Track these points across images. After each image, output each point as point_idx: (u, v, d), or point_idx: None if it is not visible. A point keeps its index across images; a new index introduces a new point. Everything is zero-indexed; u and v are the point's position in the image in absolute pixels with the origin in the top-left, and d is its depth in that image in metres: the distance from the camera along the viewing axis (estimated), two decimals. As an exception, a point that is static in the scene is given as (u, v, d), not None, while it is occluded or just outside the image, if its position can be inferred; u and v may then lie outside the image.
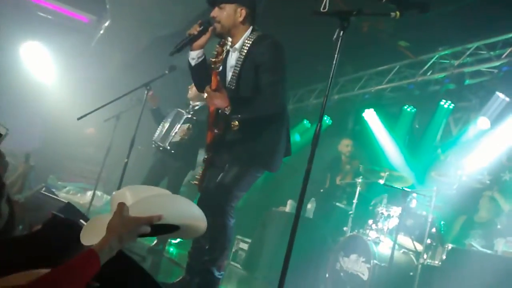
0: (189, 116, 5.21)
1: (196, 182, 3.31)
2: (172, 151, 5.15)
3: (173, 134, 5.17)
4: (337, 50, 2.43)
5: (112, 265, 1.54)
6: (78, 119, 4.59)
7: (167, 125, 5.29)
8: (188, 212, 1.81)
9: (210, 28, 3.02)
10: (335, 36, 2.44)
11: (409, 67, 6.92)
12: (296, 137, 8.81)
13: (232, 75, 3.15)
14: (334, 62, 2.44)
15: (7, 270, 1.47)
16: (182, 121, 5.20)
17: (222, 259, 3.21)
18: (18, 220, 2.09)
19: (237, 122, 3.11)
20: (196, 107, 5.36)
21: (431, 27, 5.84)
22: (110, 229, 1.54)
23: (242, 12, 3.07)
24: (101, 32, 7.71)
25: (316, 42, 6.36)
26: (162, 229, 1.72)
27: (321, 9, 3.50)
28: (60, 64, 8.75)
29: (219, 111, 3.12)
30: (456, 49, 6.22)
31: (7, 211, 1.72)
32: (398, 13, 2.51)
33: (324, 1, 3.57)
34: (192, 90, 5.35)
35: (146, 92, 4.60)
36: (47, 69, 8.79)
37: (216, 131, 3.19)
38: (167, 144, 5.17)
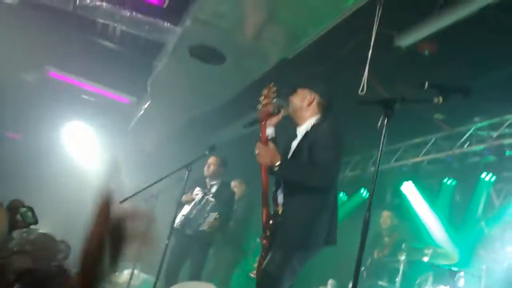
0: (215, 203, 5.31)
1: (254, 273, 3.21)
2: (198, 238, 5.28)
3: (201, 222, 5.27)
4: (382, 137, 2.45)
5: None
6: (121, 202, 4.65)
7: (194, 211, 5.35)
8: None
9: (282, 110, 3.25)
10: (379, 124, 2.48)
11: (446, 139, 6.84)
12: (332, 210, 8.67)
13: (291, 155, 3.23)
14: (380, 148, 2.45)
15: None
16: (209, 208, 5.31)
17: None
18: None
19: (281, 206, 3.14)
20: (214, 187, 5.50)
21: (467, 99, 5.84)
22: None
23: (311, 98, 3.25)
24: (141, 112, 8.01)
25: (352, 117, 6.46)
26: None
27: (359, 92, 3.61)
28: (101, 143, 9.08)
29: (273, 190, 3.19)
30: (493, 120, 6.16)
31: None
32: (441, 98, 2.54)
33: (362, 84, 3.69)
34: (210, 168, 5.49)
35: (187, 172, 4.67)
36: (88, 149, 9.12)
37: (267, 209, 3.21)
38: (193, 231, 5.28)
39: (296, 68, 5.86)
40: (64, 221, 7.48)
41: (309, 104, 3.25)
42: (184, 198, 5.24)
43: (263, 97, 3.26)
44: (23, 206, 2.64)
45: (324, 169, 2.98)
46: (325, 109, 3.28)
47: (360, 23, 4.47)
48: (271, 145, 3.04)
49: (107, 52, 7.08)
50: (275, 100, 3.24)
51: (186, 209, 5.39)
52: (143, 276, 6.80)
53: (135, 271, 6.31)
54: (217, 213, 5.28)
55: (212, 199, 5.37)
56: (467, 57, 5.05)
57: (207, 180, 5.59)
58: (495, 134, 6.13)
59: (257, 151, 3.03)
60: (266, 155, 2.99)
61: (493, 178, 6.20)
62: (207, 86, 6.68)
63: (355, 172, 8.40)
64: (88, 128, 9.02)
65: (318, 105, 3.26)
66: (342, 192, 8.64)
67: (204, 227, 5.26)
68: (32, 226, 2.93)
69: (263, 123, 3.16)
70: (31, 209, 2.70)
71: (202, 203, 5.37)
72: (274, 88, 3.27)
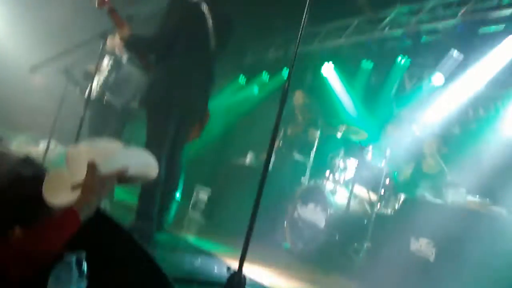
0: (130, 67, 5.24)
1: None
2: (121, 111, 5.22)
3: (129, 96, 5.21)
4: (305, 9, 2.41)
5: (99, 232, 1.58)
6: (31, 70, 4.34)
7: (113, 75, 5.19)
8: (147, 161, 1.90)
9: None
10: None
11: (367, 22, 6.93)
12: (254, 90, 8.83)
13: None
14: (303, 20, 2.43)
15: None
16: (126, 71, 5.21)
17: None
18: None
19: None
20: (124, 58, 5.31)
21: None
22: (89, 188, 1.56)
23: None
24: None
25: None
26: (124, 179, 1.78)
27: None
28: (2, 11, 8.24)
29: None
30: (414, 6, 6.28)
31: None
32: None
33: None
34: (115, 41, 5.14)
35: (102, 43, 4.39)
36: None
37: None
38: (115, 102, 5.17)
39: None
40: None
41: None
42: (89, 67, 5.01)
43: None
44: None
45: (147, 39, 3.63)
46: None
47: None
48: (126, 26, 3.63)
49: None
50: None
51: (101, 77, 5.16)
52: (61, 148, 6.65)
53: (52, 143, 6.14)
54: None
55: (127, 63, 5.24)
56: None
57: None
58: (414, 19, 6.28)
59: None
60: (122, 32, 3.62)
61: (408, 62, 6.46)
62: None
63: (278, 53, 8.42)
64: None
65: None
66: (264, 72, 8.72)
67: (135, 105, 5.14)
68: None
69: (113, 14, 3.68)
70: None
71: (118, 67, 5.21)
72: None
